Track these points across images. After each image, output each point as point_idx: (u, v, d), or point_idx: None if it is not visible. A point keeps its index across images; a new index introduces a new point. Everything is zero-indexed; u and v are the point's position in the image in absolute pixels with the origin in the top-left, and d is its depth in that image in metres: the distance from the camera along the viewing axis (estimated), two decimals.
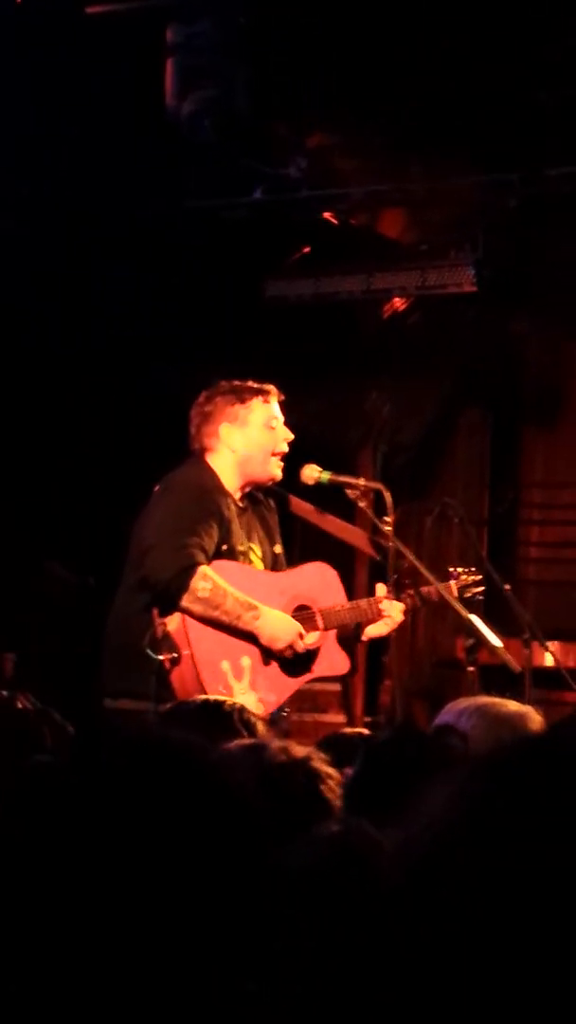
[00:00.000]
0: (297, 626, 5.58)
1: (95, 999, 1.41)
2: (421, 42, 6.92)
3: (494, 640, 5.91)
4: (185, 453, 5.81)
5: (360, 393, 8.38)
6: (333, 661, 5.79)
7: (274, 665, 5.59)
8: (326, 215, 7.87)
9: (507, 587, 6.42)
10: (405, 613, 5.86)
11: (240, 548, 5.62)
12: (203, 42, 6.76)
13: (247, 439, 5.66)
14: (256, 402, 5.68)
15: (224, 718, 3.71)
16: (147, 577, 5.40)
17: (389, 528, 5.89)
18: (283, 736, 4.88)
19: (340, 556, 6.53)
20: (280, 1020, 1.68)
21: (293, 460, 6.14)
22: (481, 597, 6.05)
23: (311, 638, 5.66)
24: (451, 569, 6.04)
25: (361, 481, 6.04)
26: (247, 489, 5.74)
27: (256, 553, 5.72)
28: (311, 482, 5.93)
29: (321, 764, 2.66)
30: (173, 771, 1.50)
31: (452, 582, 5.97)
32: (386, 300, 8.13)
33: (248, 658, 5.51)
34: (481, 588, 6.06)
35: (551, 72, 6.95)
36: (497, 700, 3.74)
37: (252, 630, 5.48)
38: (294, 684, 5.67)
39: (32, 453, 7.68)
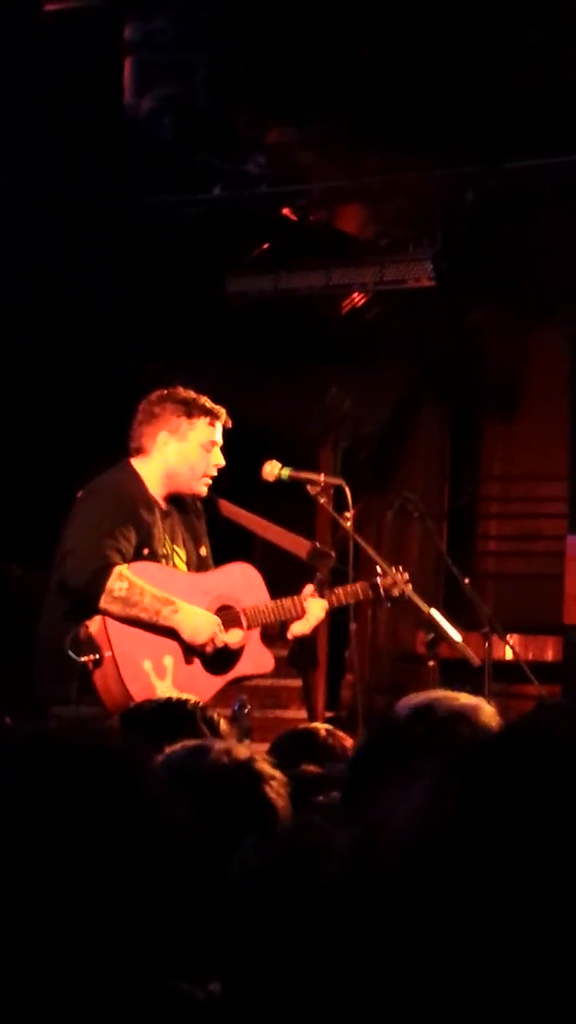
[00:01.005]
0: (215, 619, 5.63)
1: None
2: (379, 36, 6.93)
3: (454, 634, 5.94)
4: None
5: (320, 388, 8.39)
6: (258, 659, 5.83)
7: (197, 664, 5.62)
8: (285, 211, 7.87)
9: (466, 581, 6.45)
10: (328, 611, 5.90)
11: (162, 551, 5.65)
12: (162, 39, 6.77)
13: (181, 454, 5.69)
14: (201, 421, 5.71)
15: (186, 718, 3.72)
16: (64, 581, 5.44)
17: (349, 523, 5.92)
18: (245, 733, 4.91)
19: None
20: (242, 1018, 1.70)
21: (254, 456, 6.16)
22: (408, 596, 6.03)
23: (235, 636, 5.70)
24: (377, 568, 6.05)
25: (321, 477, 6.05)
26: (170, 496, 5.77)
27: (180, 556, 5.75)
28: (271, 479, 5.95)
29: (264, 766, 2.68)
30: (79, 776, 1.52)
31: (377, 579, 5.99)
32: (345, 295, 8.14)
33: (170, 657, 5.54)
34: (408, 587, 6.03)
35: (508, 67, 6.98)
36: (449, 694, 3.75)
37: (172, 625, 5.51)
38: (218, 682, 5.70)
39: None
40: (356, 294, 8.13)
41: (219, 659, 5.68)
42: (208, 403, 5.72)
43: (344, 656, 7.70)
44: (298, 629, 5.85)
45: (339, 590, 5.91)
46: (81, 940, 1.45)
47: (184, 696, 4.15)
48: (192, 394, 5.72)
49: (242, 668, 5.77)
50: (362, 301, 8.14)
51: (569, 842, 1.20)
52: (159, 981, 1.49)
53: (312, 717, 7.22)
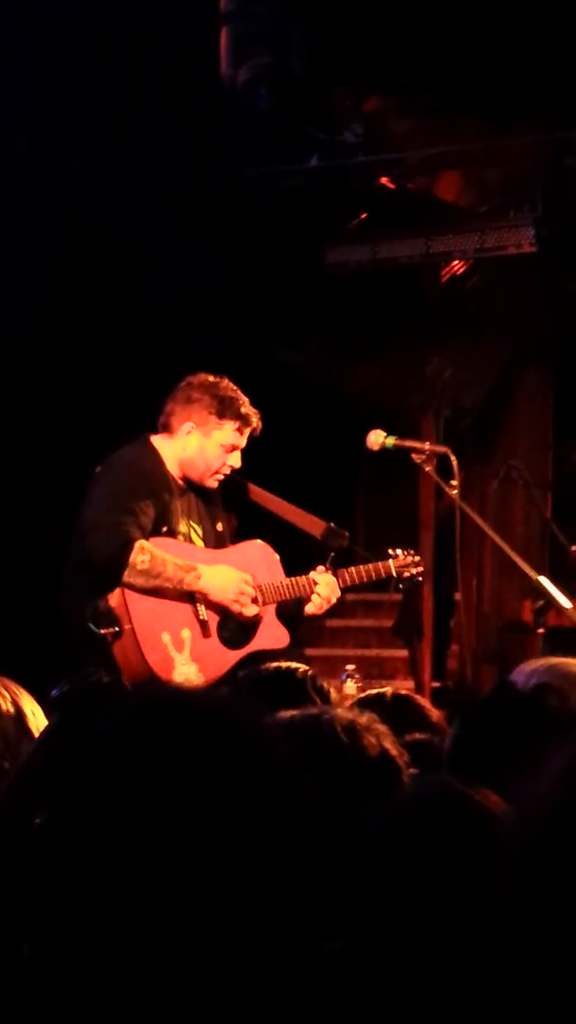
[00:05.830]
0: (241, 573, 5.66)
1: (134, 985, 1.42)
2: (474, 1, 6.89)
3: (564, 600, 5.90)
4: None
5: (421, 357, 8.34)
6: (273, 635, 5.86)
7: (214, 638, 5.68)
8: (383, 180, 7.83)
9: (573, 548, 6.41)
10: (343, 590, 5.92)
11: (180, 529, 5.71)
12: (257, 9, 6.75)
13: (201, 449, 5.74)
14: (230, 425, 5.75)
15: (297, 685, 3.71)
16: (87, 557, 5.48)
17: (455, 491, 5.90)
18: None
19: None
20: (363, 980, 1.69)
21: (356, 426, 6.14)
22: (420, 579, 6.05)
23: (251, 611, 5.73)
24: (389, 550, 6.03)
25: (427, 445, 6.04)
26: (185, 476, 5.81)
27: (197, 532, 5.80)
28: (376, 447, 5.94)
29: (380, 724, 2.68)
30: (203, 734, 1.50)
31: (390, 561, 5.97)
32: (445, 263, 8.09)
33: (188, 630, 5.59)
34: (420, 569, 6.02)
35: None
36: (566, 660, 3.73)
37: (198, 590, 5.58)
38: (234, 656, 5.73)
39: (87, 419, 7.67)
40: (456, 262, 8.07)
41: (236, 634, 5.71)
42: (245, 408, 5.74)
43: (450, 626, 7.67)
44: (310, 608, 5.85)
45: (352, 569, 5.91)
46: (209, 905, 1.44)
47: (294, 664, 4.15)
48: (232, 393, 5.73)
49: (258, 643, 5.80)
50: (462, 269, 8.08)
51: None
52: (287, 942, 1.48)
53: (419, 687, 7.21)
